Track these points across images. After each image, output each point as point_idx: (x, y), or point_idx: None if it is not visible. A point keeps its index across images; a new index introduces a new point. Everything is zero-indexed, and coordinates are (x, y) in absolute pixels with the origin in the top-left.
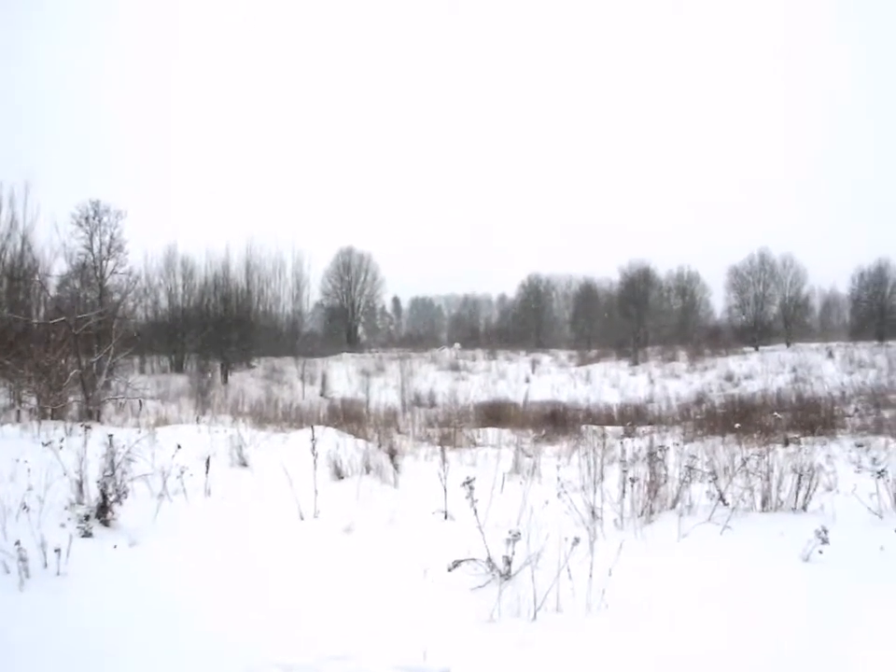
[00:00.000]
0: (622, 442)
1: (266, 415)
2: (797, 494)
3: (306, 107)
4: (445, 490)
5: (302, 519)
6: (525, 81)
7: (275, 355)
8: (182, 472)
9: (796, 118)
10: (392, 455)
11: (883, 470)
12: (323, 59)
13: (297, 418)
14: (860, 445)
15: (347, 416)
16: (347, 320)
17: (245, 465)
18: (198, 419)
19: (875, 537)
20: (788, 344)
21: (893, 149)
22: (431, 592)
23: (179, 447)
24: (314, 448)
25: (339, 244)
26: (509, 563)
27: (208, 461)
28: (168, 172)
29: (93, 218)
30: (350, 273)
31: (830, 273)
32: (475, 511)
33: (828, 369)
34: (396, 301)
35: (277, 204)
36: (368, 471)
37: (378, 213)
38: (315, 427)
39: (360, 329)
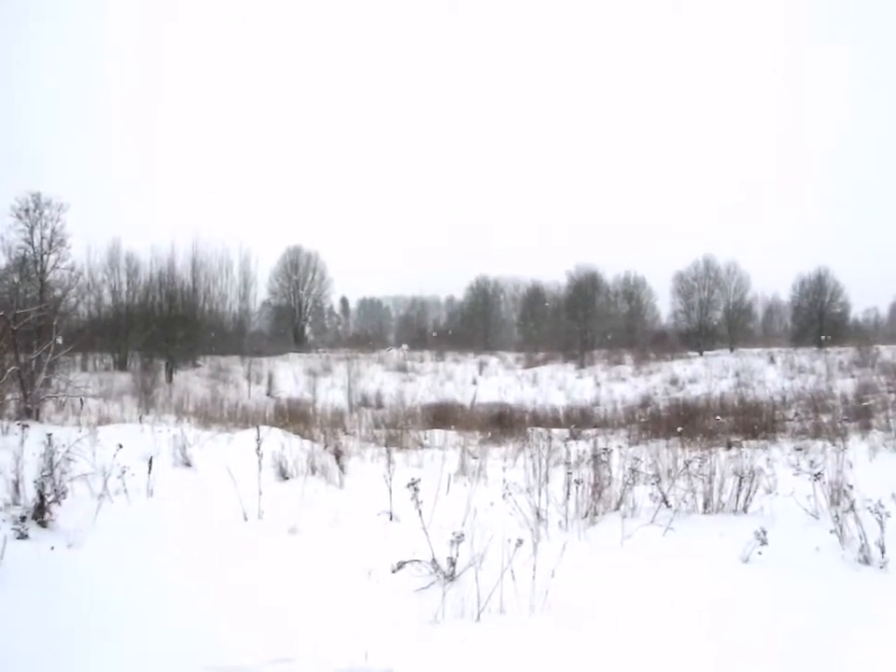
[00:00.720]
0: (566, 445)
1: (211, 415)
2: (738, 496)
3: (259, 104)
4: (391, 491)
5: (246, 520)
6: (487, 82)
7: (221, 353)
8: (124, 472)
9: (745, 128)
10: (338, 455)
11: (819, 473)
12: (279, 53)
13: (242, 418)
14: (799, 449)
15: (294, 416)
16: (294, 320)
17: (188, 465)
18: (141, 418)
19: (811, 537)
20: (731, 349)
21: (835, 162)
22: (375, 593)
23: (121, 446)
24: (258, 448)
25: (287, 242)
26: (453, 564)
27: (151, 461)
28: (112, 165)
29: (34, 211)
30: (298, 272)
31: (772, 281)
32: (420, 513)
33: (770, 374)
34: (344, 301)
35: (225, 201)
36: (313, 472)
37: (327, 212)
38: (261, 427)
39: (308, 329)
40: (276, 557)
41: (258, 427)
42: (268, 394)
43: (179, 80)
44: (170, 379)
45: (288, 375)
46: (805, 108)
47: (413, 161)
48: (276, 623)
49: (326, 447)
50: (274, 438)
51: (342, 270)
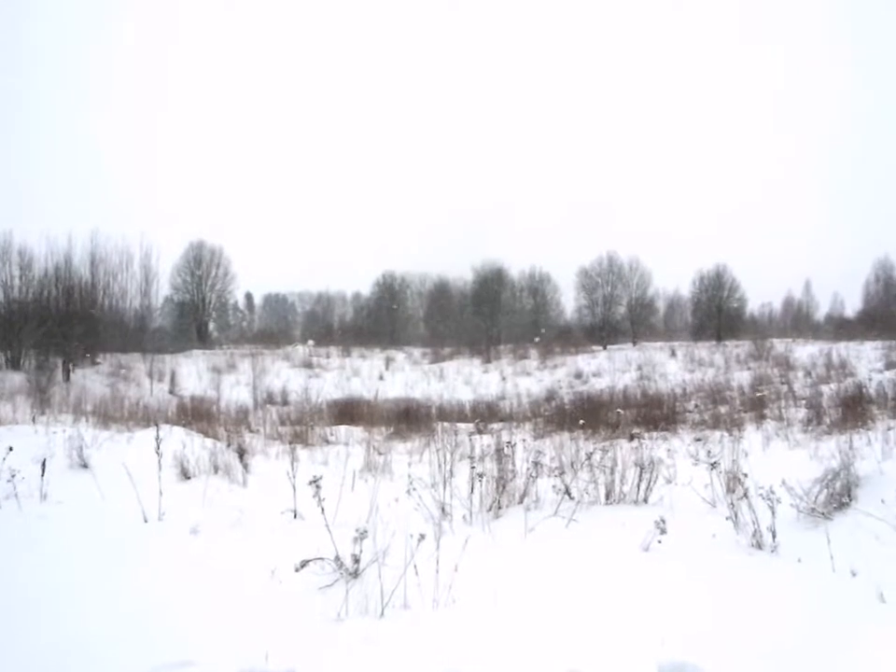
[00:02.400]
0: (470, 439)
1: (111, 414)
2: (639, 486)
3: (174, 98)
4: (294, 489)
5: (146, 521)
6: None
7: (122, 351)
8: (14, 475)
9: (653, 127)
10: (241, 454)
11: (715, 463)
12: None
13: (144, 417)
14: (698, 439)
15: (197, 414)
16: (198, 316)
17: (85, 466)
18: (34, 419)
19: (708, 524)
20: (634, 343)
21: (735, 162)
22: (278, 592)
23: (11, 449)
24: (158, 447)
25: (190, 237)
26: (357, 561)
27: (44, 463)
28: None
29: None
30: (201, 267)
31: (673, 277)
32: (322, 510)
33: (671, 367)
34: (248, 296)
35: (125, 194)
36: (216, 471)
37: (230, 207)
38: (163, 425)
39: (212, 325)
40: (177, 559)
41: (157, 425)
42: (171, 392)
43: (72, 66)
44: (67, 378)
45: (192, 372)
46: (705, 112)
47: (320, 153)
48: (176, 626)
49: (229, 445)
50: (176, 437)
51: (246, 265)
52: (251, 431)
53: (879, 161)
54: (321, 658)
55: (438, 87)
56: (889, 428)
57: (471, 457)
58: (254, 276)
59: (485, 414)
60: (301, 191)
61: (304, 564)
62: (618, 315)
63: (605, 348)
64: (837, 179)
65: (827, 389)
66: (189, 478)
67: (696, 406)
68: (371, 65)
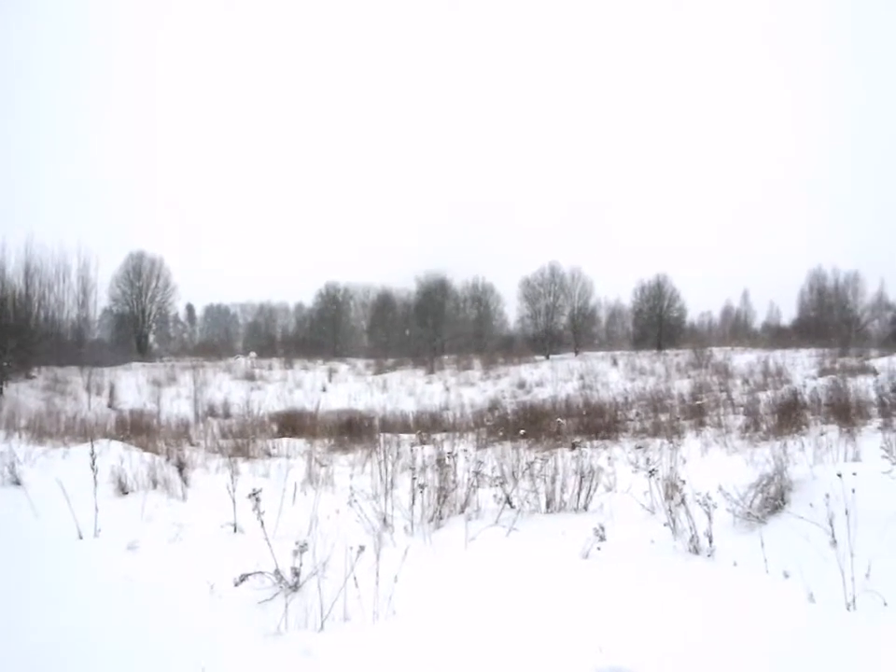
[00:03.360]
0: (412, 450)
1: (46, 429)
2: (579, 495)
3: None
4: (234, 502)
5: (81, 538)
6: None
7: (58, 364)
8: None
9: (592, 139)
10: (181, 467)
11: (654, 470)
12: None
13: (81, 431)
14: (639, 447)
15: (136, 428)
16: (138, 328)
17: (18, 483)
18: None
19: (647, 531)
20: (576, 353)
21: (674, 175)
22: (217, 607)
23: None
24: (94, 463)
25: (129, 247)
26: (297, 574)
27: None
28: None
29: None
30: (141, 278)
31: (614, 286)
32: (262, 524)
33: (612, 376)
34: (189, 308)
35: (61, 202)
36: (155, 486)
37: (170, 217)
38: (100, 440)
39: (152, 338)
40: (113, 576)
41: (92, 440)
42: (109, 406)
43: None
44: (0, 392)
45: (131, 386)
46: (645, 125)
47: (261, 162)
48: (111, 644)
49: (168, 459)
50: (114, 451)
51: (187, 276)
52: (192, 445)
53: (813, 176)
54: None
55: (396, 101)
56: (821, 434)
57: (413, 468)
58: (195, 288)
59: (429, 425)
60: (243, 201)
61: (244, 578)
62: (560, 324)
63: (547, 358)
64: (774, 193)
65: (764, 396)
66: (126, 493)
67: (637, 414)
68: (340, 71)
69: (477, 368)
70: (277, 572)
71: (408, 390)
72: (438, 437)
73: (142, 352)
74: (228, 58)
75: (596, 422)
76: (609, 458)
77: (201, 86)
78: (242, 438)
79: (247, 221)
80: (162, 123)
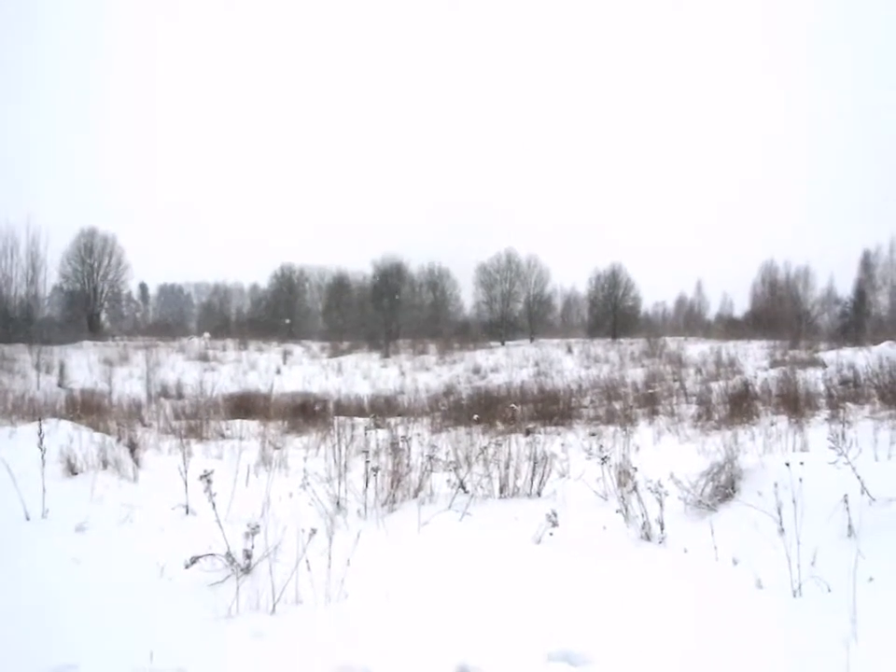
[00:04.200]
0: (366, 433)
1: None
2: (532, 480)
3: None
4: (186, 484)
5: (28, 519)
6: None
7: (6, 342)
8: None
9: (550, 124)
10: (132, 448)
11: (606, 457)
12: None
13: (29, 411)
14: (592, 434)
15: (87, 408)
16: (89, 306)
17: None
18: None
19: (599, 517)
20: (532, 340)
21: (631, 165)
22: (167, 590)
23: None
24: (41, 442)
25: (81, 223)
26: (248, 556)
27: None
28: None
29: None
30: (93, 255)
31: (570, 274)
32: (213, 505)
33: (567, 363)
34: (143, 287)
35: (8, 174)
36: (105, 466)
37: (124, 194)
38: (49, 419)
39: (104, 316)
40: (61, 558)
41: (40, 419)
42: (59, 385)
43: None
44: None
45: (82, 365)
46: (600, 113)
47: (219, 140)
48: (58, 628)
49: (120, 440)
50: (63, 431)
51: (140, 254)
52: (144, 425)
53: (766, 169)
54: (210, 655)
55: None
56: (771, 424)
57: (366, 452)
58: (149, 266)
59: (383, 409)
60: (199, 180)
61: (195, 560)
62: (516, 311)
63: (503, 344)
64: (727, 186)
65: (716, 386)
66: (76, 474)
67: (591, 402)
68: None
69: (433, 353)
70: (229, 554)
71: (363, 374)
72: (392, 421)
73: (94, 331)
74: (202, 33)
75: (551, 408)
76: (563, 445)
77: (166, 58)
78: (195, 419)
79: (203, 200)
80: (118, 99)
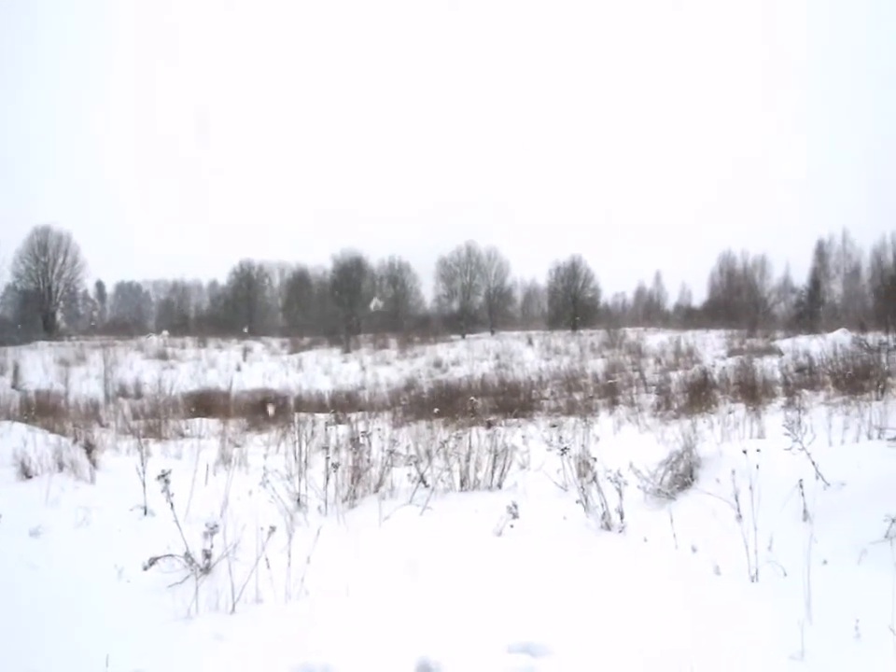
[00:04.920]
0: (327, 429)
1: None
2: (493, 473)
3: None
4: (144, 484)
5: None
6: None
7: None
8: None
9: (513, 118)
10: (89, 449)
11: (566, 448)
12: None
13: None
14: (553, 425)
15: (42, 409)
16: (44, 305)
17: None
18: None
19: (559, 508)
20: (492, 332)
21: (590, 158)
22: (125, 592)
23: None
24: None
25: (34, 221)
26: (208, 556)
27: None
28: None
29: None
30: (47, 253)
31: (530, 266)
32: (172, 506)
33: (528, 355)
34: (99, 285)
35: None
36: (61, 468)
37: (78, 190)
38: (3, 422)
39: (59, 316)
40: (15, 563)
41: None
42: (13, 386)
43: None
44: None
45: (37, 365)
46: (559, 107)
47: (173, 138)
48: (13, 634)
49: (76, 441)
50: (17, 433)
51: (96, 252)
52: (102, 426)
53: (724, 162)
54: (168, 658)
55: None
56: (729, 412)
57: (326, 447)
58: (105, 264)
59: (345, 404)
60: (156, 175)
61: (153, 561)
62: (476, 304)
63: (464, 337)
64: (685, 178)
65: (675, 376)
66: (30, 477)
67: (552, 393)
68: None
69: (393, 347)
70: (188, 555)
71: (324, 369)
72: (353, 416)
73: (49, 330)
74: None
75: (512, 401)
76: (524, 437)
77: (121, 55)
78: (154, 418)
79: (161, 196)
80: (72, 91)
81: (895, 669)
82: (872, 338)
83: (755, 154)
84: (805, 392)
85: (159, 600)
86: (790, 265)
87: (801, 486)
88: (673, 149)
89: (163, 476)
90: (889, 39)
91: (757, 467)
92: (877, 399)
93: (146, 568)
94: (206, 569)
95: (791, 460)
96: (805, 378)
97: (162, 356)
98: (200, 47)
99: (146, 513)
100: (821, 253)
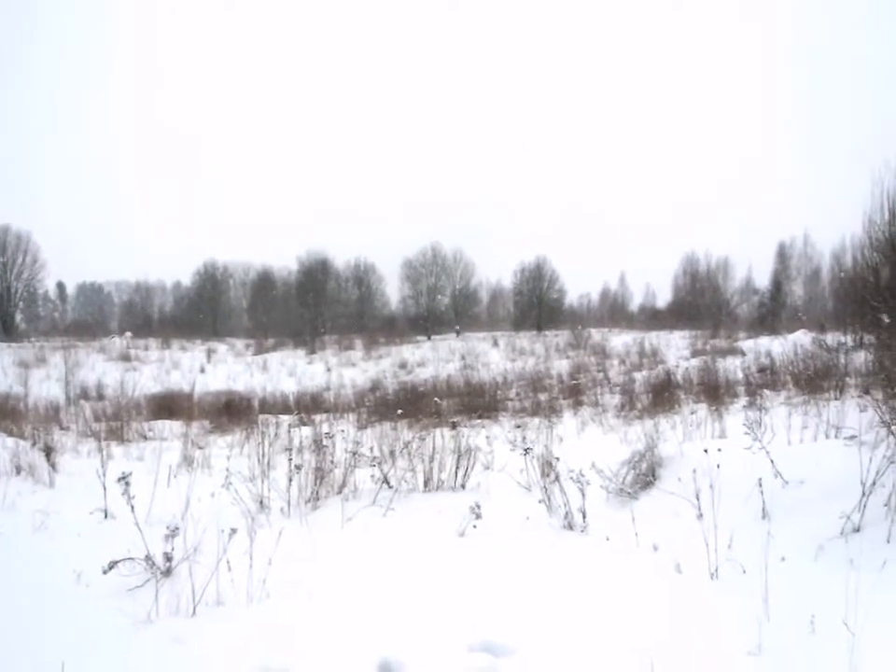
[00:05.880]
0: (290, 431)
1: None
2: (456, 473)
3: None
4: (105, 487)
5: None
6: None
7: None
8: None
9: (478, 120)
10: (48, 452)
11: (529, 448)
12: None
13: None
14: (518, 426)
15: (0, 413)
16: (3, 306)
17: None
18: None
19: (523, 508)
20: (458, 334)
21: (556, 161)
22: (84, 597)
23: None
24: None
25: None
26: (169, 559)
27: None
28: None
29: None
30: (6, 253)
31: (496, 268)
32: (132, 508)
33: (493, 356)
34: (60, 286)
35: None
36: (18, 472)
37: (39, 189)
38: None
39: (19, 317)
40: None
41: None
42: None
43: None
44: None
45: None
46: (526, 111)
47: (134, 137)
48: None
49: (35, 444)
50: None
51: (58, 252)
52: (62, 429)
53: (689, 166)
54: (127, 663)
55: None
56: (692, 412)
57: (289, 449)
58: (67, 264)
59: (309, 406)
60: (119, 174)
61: (112, 565)
62: (442, 305)
63: (429, 338)
64: (649, 181)
65: (639, 376)
66: None
67: (517, 394)
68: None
69: (359, 348)
70: (148, 558)
71: (288, 371)
72: (318, 418)
73: (8, 332)
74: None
75: (477, 402)
76: (488, 437)
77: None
78: (116, 421)
79: (124, 196)
80: (35, 89)
81: (848, 663)
82: (831, 339)
83: (719, 157)
84: (767, 392)
85: (118, 604)
86: (752, 267)
87: (760, 485)
88: (638, 152)
89: (124, 479)
90: (857, 40)
91: (717, 466)
92: (836, 399)
93: (105, 572)
94: (167, 572)
95: (751, 459)
96: (767, 378)
97: (125, 357)
98: (172, 44)
99: (106, 517)
100: (783, 255)
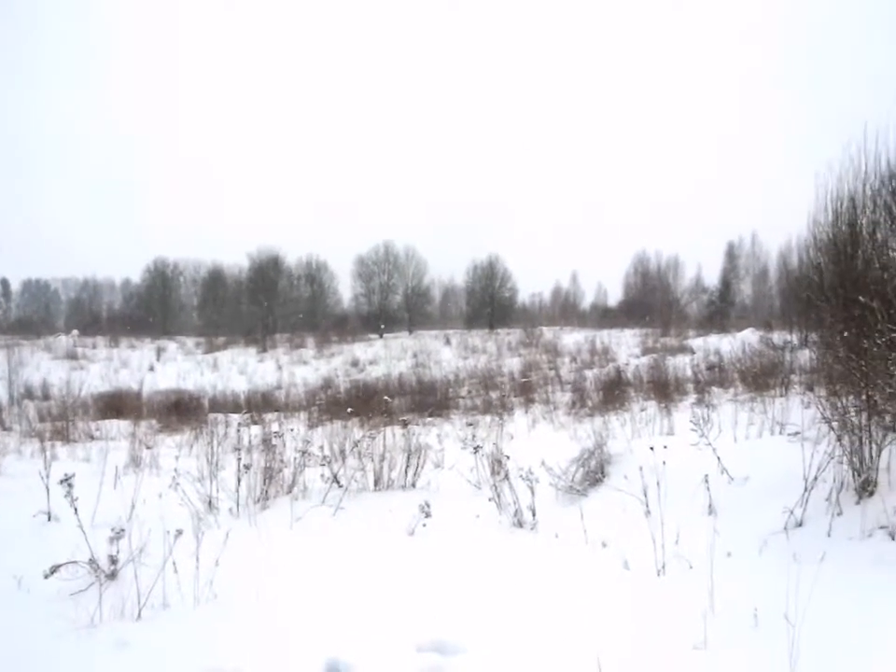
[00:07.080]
0: (240, 430)
1: None
2: (407, 472)
3: None
4: (48, 489)
5: None
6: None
7: None
8: None
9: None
10: None
11: (478, 446)
12: None
13: None
14: (469, 424)
15: None
16: None
17: None
18: None
19: (473, 506)
20: (410, 332)
21: (505, 159)
22: (24, 603)
23: None
24: None
25: None
26: (114, 562)
27: None
28: None
29: None
30: None
31: (448, 266)
32: (76, 510)
33: (445, 354)
34: (4, 282)
35: None
36: None
37: None
38: None
39: None
40: None
41: None
42: None
43: None
44: None
45: None
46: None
47: (83, 128)
48: None
49: None
50: None
51: (1, 247)
52: (5, 429)
53: (639, 166)
54: (68, 669)
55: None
56: (642, 409)
57: (238, 448)
58: (10, 260)
59: (260, 405)
60: (63, 165)
61: (55, 569)
62: (394, 303)
63: (381, 336)
64: (600, 181)
65: (590, 374)
66: None
67: (469, 392)
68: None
69: (310, 346)
70: (92, 561)
71: (239, 369)
72: (269, 417)
73: None
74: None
75: (428, 400)
76: (439, 436)
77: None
78: (61, 420)
79: (72, 192)
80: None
81: (788, 656)
82: (777, 337)
83: (668, 157)
84: (715, 389)
85: (60, 609)
86: (702, 266)
87: (707, 481)
88: (590, 152)
89: (66, 480)
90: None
91: (664, 463)
92: (781, 396)
93: (47, 577)
94: (112, 575)
95: (698, 456)
96: (715, 376)
97: (72, 356)
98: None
99: (49, 519)
100: (731, 255)
